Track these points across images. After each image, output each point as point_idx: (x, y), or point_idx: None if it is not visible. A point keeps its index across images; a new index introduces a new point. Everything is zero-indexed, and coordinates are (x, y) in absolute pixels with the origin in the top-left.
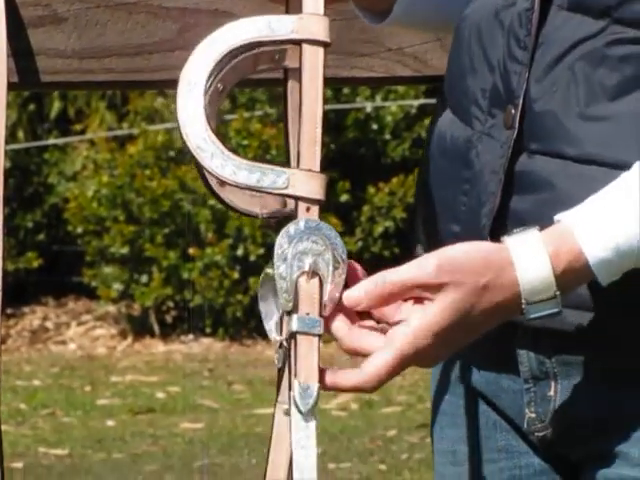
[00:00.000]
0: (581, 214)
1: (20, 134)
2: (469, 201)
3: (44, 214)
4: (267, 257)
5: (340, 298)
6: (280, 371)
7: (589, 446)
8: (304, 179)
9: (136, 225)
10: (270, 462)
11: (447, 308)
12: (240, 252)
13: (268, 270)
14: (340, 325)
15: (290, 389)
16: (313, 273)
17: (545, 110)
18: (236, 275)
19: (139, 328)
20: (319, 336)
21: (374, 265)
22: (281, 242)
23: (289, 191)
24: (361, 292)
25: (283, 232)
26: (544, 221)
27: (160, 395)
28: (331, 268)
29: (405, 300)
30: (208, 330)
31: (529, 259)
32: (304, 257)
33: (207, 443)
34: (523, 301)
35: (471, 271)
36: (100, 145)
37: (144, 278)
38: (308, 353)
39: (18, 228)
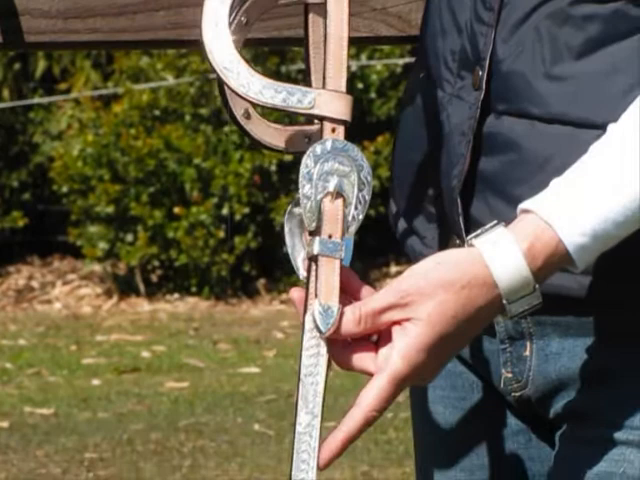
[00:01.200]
0: (553, 201)
1: (5, 93)
2: (439, 163)
3: (29, 173)
4: (252, 216)
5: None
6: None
7: (565, 406)
8: (330, 99)
9: (121, 184)
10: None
11: (425, 323)
12: (225, 211)
13: (293, 209)
14: (334, 344)
15: (305, 313)
16: (337, 194)
17: (511, 70)
18: (221, 234)
19: (124, 287)
20: (340, 259)
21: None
22: (307, 162)
23: (315, 111)
24: (336, 318)
25: (309, 152)
26: (511, 181)
27: (145, 354)
28: (356, 190)
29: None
30: (193, 289)
31: (503, 261)
32: (329, 177)
33: (192, 402)
34: (504, 301)
35: (443, 281)
36: (85, 104)
37: (129, 237)
38: (329, 275)
39: (3, 187)
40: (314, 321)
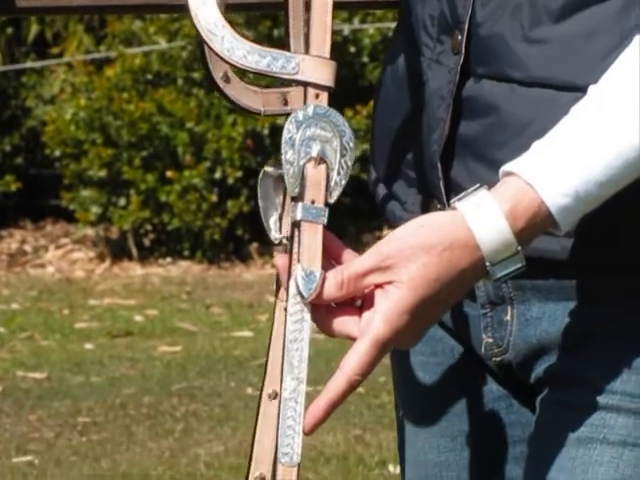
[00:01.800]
0: (535, 163)
1: None
2: (419, 128)
3: (22, 137)
4: (245, 180)
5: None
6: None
7: (546, 370)
8: (314, 65)
9: (114, 148)
10: (270, 363)
11: (408, 286)
12: (218, 175)
13: (267, 168)
14: (318, 310)
15: (289, 278)
16: (320, 160)
17: (491, 34)
18: (214, 198)
19: (117, 251)
20: (323, 225)
21: (353, 187)
22: (289, 127)
23: (298, 77)
24: (317, 282)
25: (291, 118)
26: (491, 145)
27: (138, 318)
28: (338, 156)
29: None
30: (186, 253)
31: (485, 223)
32: (312, 143)
33: (185, 366)
34: (487, 264)
35: (424, 243)
36: (78, 68)
37: (122, 201)
38: (312, 240)
39: None
40: (297, 286)
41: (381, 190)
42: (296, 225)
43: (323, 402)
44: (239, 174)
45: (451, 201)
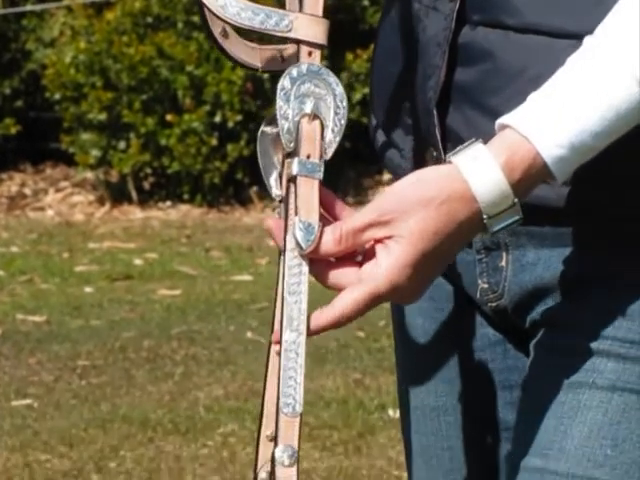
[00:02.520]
0: (530, 115)
1: None
2: (416, 75)
3: (22, 80)
4: (245, 124)
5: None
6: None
7: (540, 315)
8: (307, 23)
9: (114, 92)
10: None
11: (408, 240)
12: (218, 119)
13: (265, 127)
14: (316, 263)
15: (286, 233)
16: (314, 116)
17: None
18: (214, 142)
19: (117, 195)
20: (319, 180)
21: (353, 131)
22: (284, 84)
23: (292, 34)
24: (315, 235)
25: (286, 74)
26: (487, 92)
27: (138, 262)
28: (332, 113)
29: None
30: (186, 197)
31: (482, 175)
32: (306, 99)
33: (185, 310)
34: (484, 216)
35: (422, 197)
36: (78, 11)
37: (122, 145)
38: (309, 193)
39: None
40: (295, 238)
41: (380, 137)
42: (292, 180)
43: (310, 329)
44: (239, 118)
45: (447, 155)
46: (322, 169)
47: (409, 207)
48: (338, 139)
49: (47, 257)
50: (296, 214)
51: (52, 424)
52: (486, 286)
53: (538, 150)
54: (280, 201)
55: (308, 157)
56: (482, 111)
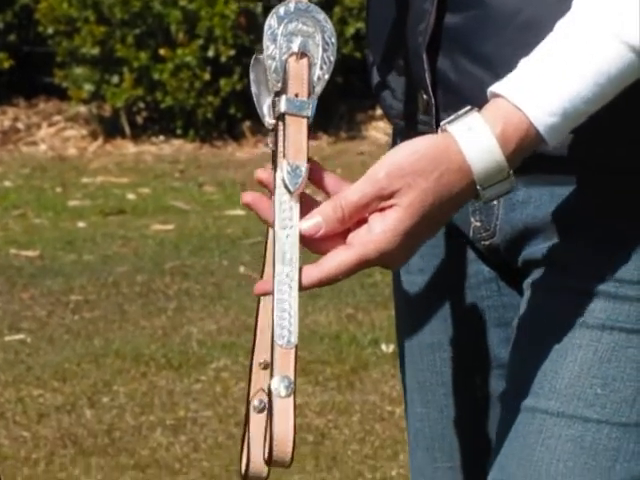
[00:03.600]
0: (522, 83)
1: None
2: (406, 19)
3: (15, 15)
4: (238, 58)
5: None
6: (274, 154)
7: (531, 254)
8: None
9: (107, 26)
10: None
11: (406, 210)
12: (211, 53)
13: (258, 55)
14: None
15: (275, 170)
16: (302, 54)
17: None
18: (207, 76)
19: (110, 129)
20: (307, 118)
21: (345, 66)
22: (270, 23)
23: None
24: (319, 219)
25: (272, 13)
26: (477, 38)
27: (131, 196)
28: (320, 50)
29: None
30: (179, 131)
31: (478, 146)
32: (293, 38)
33: (178, 244)
34: (478, 187)
35: (421, 169)
36: None
37: (115, 79)
38: (297, 134)
39: None
40: (283, 181)
41: (375, 77)
42: (280, 118)
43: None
44: (232, 52)
45: (441, 123)
46: (311, 107)
47: (410, 179)
48: (327, 76)
49: (40, 192)
50: (284, 156)
51: (45, 359)
52: (479, 224)
53: (531, 120)
54: (272, 130)
55: (296, 96)
56: (472, 57)
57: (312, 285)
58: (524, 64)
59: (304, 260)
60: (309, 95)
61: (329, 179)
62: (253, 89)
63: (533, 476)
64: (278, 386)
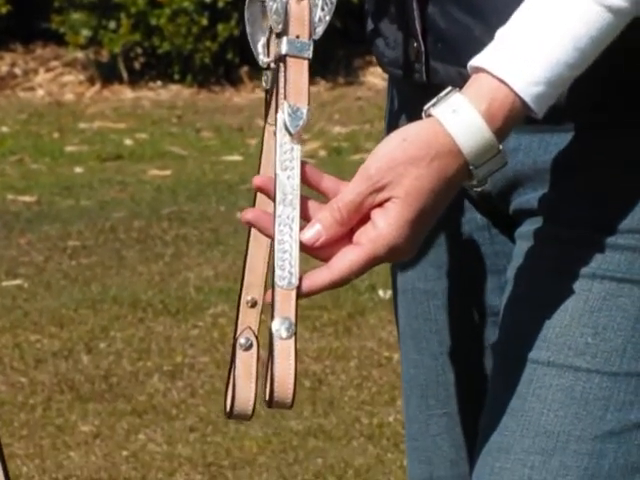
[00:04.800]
0: (503, 55)
1: None
2: None
3: None
4: (236, 3)
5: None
6: (268, 93)
7: (522, 203)
8: None
9: None
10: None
11: (405, 200)
12: None
13: None
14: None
15: (276, 111)
16: None
17: None
18: (204, 22)
19: (107, 74)
20: (309, 60)
21: (343, 10)
22: None
23: None
24: (318, 227)
25: None
26: None
27: (128, 142)
28: None
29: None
30: (176, 77)
31: (465, 127)
32: None
33: (175, 190)
34: (471, 167)
35: (412, 157)
36: None
37: (112, 24)
38: (298, 76)
39: None
40: (284, 124)
41: (369, 24)
42: (281, 60)
43: (303, 289)
44: None
45: (425, 107)
46: (311, 48)
47: (401, 169)
48: (328, 18)
49: (37, 137)
50: (285, 98)
51: (42, 304)
52: None
53: (516, 91)
54: (266, 68)
55: (297, 37)
56: (462, 6)
57: (324, 288)
58: (503, 35)
59: (309, 265)
60: (310, 36)
61: (327, 181)
62: (248, 28)
63: (524, 426)
64: (279, 328)
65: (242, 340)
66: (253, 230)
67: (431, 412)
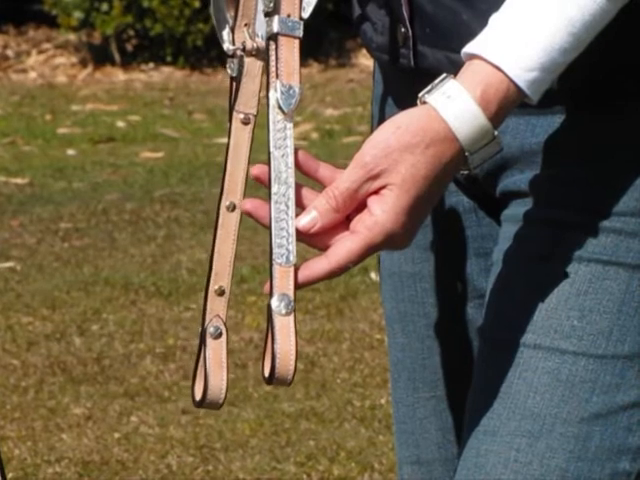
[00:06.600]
0: (497, 42)
1: None
2: None
3: None
4: None
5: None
6: (233, 80)
7: (508, 185)
8: None
9: None
10: (227, 174)
11: (401, 187)
12: None
13: None
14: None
15: (268, 91)
16: None
17: None
18: (197, 4)
19: (100, 57)
20: (300, 39)
21: None
22: None
23: None
24: (314, 213)
25: None
26: None
27: (120, 124)
28: None
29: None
30: (169, 59)
31: (459, 113)
32: None
33: (167, 172)
34: (467, 153)
35: (406, 144)
36: None
37: (105, 6)
38: (290, 54)
39: None
40: (277, 102)
41: (357, 9)
42: (272, 39)
43: (301, 278)
44: None
45: (420, 94)
46: (302, 27)
47: (397, 156)
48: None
49: (30, 119)
50: (277, 77)
51: (35, 287)
52: None
53: (511, 77)
54: (231, 56)
55: (288, 16)
56: None
57: (322, 277)
58: (496, 21)
59: (306, 254)
60: (300, 16)
61: (323, 169)
62: (213, 16)
63: (510, 409)
64: (279, 304)
65: (211, 329)
66: (220, 218)
67: (418, 395)
